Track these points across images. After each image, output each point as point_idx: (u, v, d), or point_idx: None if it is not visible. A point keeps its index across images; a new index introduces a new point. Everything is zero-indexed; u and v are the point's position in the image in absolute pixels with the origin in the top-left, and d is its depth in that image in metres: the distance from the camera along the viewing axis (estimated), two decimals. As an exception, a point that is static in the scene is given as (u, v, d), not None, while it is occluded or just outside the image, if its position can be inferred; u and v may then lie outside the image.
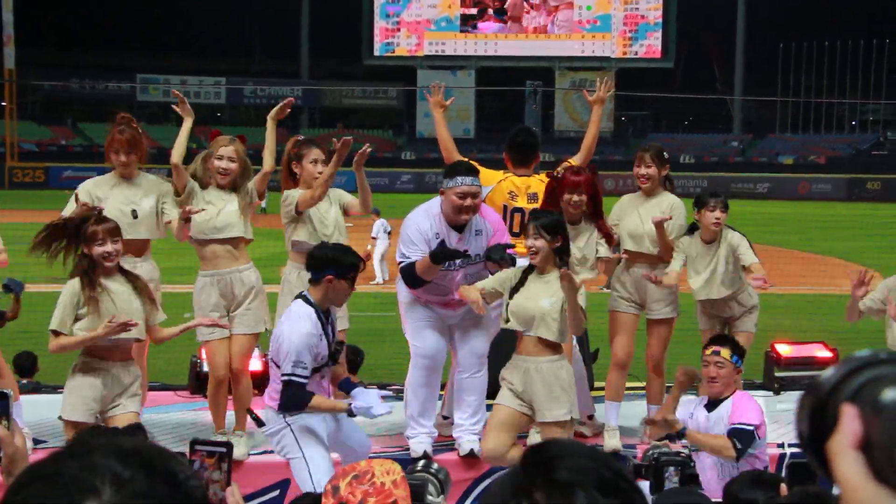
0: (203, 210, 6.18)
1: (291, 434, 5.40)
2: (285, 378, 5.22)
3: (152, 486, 1.10)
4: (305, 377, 5.23)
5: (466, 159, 6.54)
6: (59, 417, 5.72)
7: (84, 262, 5.54)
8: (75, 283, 5.54)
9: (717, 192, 6.84)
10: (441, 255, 5.89)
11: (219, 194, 6.33)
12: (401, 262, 6.10)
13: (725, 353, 5.60)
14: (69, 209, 6.19)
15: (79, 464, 1.11)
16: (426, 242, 6.02)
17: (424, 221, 6.10)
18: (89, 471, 1.09)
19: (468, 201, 5.97)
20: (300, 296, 5.41)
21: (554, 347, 5.77)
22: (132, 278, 5.70)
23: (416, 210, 6.26)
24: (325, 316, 5.36)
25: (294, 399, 5.26)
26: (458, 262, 6.00)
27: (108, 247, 5.49)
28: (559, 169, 6.64)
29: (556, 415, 5.72)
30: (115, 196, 6.36)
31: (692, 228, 6.76)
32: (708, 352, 5.64)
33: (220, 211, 6.28)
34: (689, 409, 5.72)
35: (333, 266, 5.29)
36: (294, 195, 6.42)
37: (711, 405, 5.63)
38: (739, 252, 6.61)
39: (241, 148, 6.36)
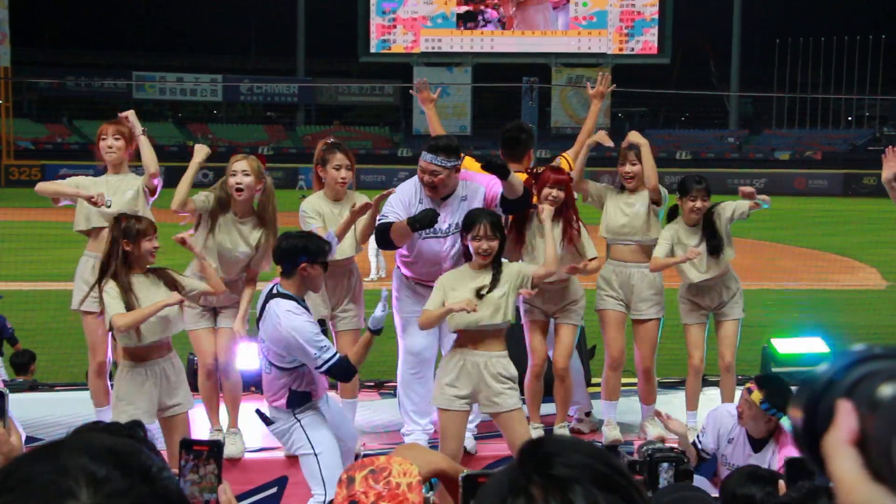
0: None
1: (301, 430, 5.39)
2: (326, 364, 5.23)
3: (129, 484, 1.07)
4: (331, 352, 5.29)
5: (449, 136, 6.51)
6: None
7: (118, 258, 5.52)
8: (113, 282, 5.51)
9: (700, 178, 6.71)
10: (416, 222, 5.89)
11: (241, 229, 6.23)
12: (379, 221, 6.15)
13: (756, 396, 5.10)
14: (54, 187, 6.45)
15: (50, 466, 1.07)
16: (405, 208, 6.09)
17: (410, 188, 6.21)
18: (62, 473, 1.06)
19: (426, 178, 6.06)
20: (276, 295, 5.33)
21: (503, 339, 5.78)
22: (161, 276, 5.69)
23: (411, 178, 6.37)
24: (303, 305, 5.36)
25: (345, 371, 5.35)
26: (436, 228, 6.01)
27: (156, 242, 5.59)
28: (537, 167, 6.63)
29: (510, 404, 5.69)
30: (97, 188, 6.38)
31: (673, 213, 6.75)
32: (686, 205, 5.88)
33: (227, 258, 6.23)
34: (727, 433, 5.39)
35: (305, 253, 5.28)
36: (312, 216, 6.33)
37: (759, 443, 5.28)
38: (736, 211, 6.62)
39: (256, 164, 6.20)
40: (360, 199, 6.44)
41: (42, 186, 6.60)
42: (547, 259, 5.95)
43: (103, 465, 1.08)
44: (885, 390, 1.00)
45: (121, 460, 1.10)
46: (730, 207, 6.68)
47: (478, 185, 6.24)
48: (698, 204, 6.59)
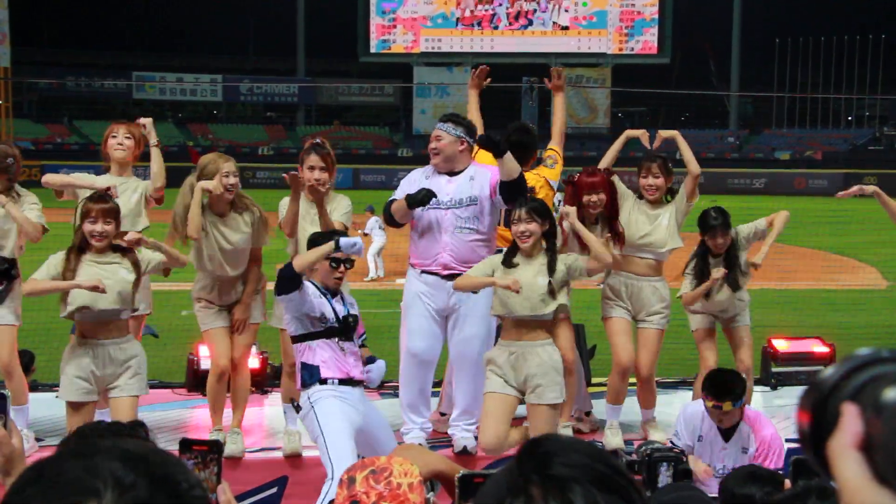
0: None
1: (314, 414, 5.43)
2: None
3: (153, 495, 1.09)
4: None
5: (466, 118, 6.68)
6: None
7: (77, 238, 5.65)
8: (61, 254, 5.63)
9: (717, 215, 6.61)
10: (410, 198, 6.16)
11: (229, 224, 6.26)
12: (388, 201, 6.43)
13: (727, 406, 5.37)
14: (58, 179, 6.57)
15: (82, 465, 1.10)
16: (410, 185, 6.35)
17: (419, 170, 6.52)
18: (92, 473, 1.09)
19: (431, 144, 6.34)
20: None
21: (546, 329, 5.91)
22: (129, 256, 5.71)
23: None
24: (328, 291, 5.55)
25: (284, 270, 5.40)
26: (438, 199, 6.19)
27: (99, 226, 5.57)
28: (573, 176, 6.61)
29: (549, 398, 5.85)
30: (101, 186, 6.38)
31: (703, 254, 6.67)
32: (709, 405, 5.40)
33: (234, 249, 6.25)
34: (696, 430, 5.58)
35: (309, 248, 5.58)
36: (286, 205, 6.35)
37: (728, 431, 5.50)
38: (755, 231, 6.68)
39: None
40: (340, 200, 6.46)
41: (50, 178, 6.61)
42: (595, 253, 5.99)
43: (133, 472, 1.10)
44: (891, 394, 0.99)
45: (152, 471, 1.12)
46: (748, 229, 6.72)
47: (486, 170, 6.39)
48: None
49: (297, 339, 5.55)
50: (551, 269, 5.84)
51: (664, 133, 6.78)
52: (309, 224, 6.29)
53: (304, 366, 5.52)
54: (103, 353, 5.70)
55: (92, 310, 5.62)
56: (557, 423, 6.10)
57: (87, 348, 5.72)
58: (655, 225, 6.60)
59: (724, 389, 5.41)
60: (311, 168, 6.34)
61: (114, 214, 5.65)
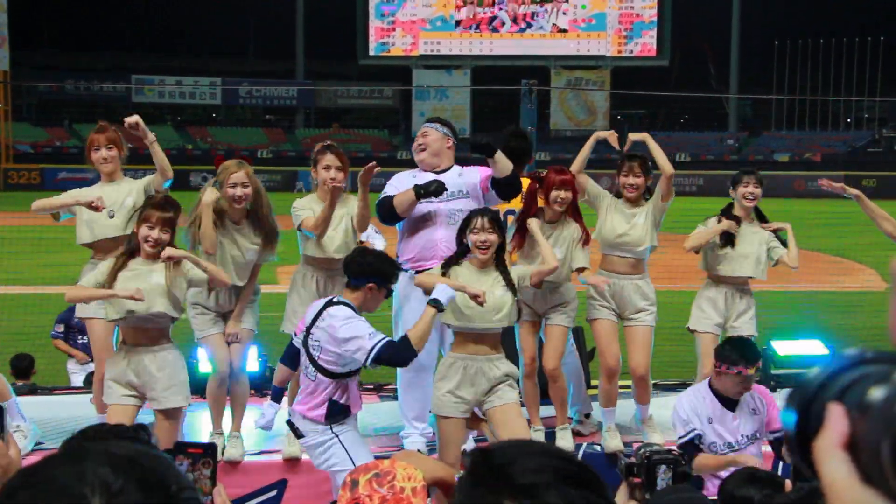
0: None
1: (341, 445, 5.30)
2: (373, 351, 5.11)
3: (142, 499, 1.08)
4: (377, 337, 5.18)
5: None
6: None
7: (131, 243, 5.60)
8: (109, 261, 5.58)
9: (749, 169, 6.87)
10: (421, 188, 6.17)
11: (244, 234, 6.24)
12: (380, 197, 6.36)
13: (752, 371, 5.56)
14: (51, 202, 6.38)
15: (71, 470, 1.09)
16: (401, 184, 6.40)
17: (406, 172, 6.61)
18: (80, 479, 1.07)
19: (419, 140, 6.52)
20: (336, 302, 5.35)
21: (498, 341, 5.75)
22: (174, 270, 5.63)
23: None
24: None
25: (397, 351, 5.20)
26: (444, 193, 6.18)
27: (155, 233, 5.52)
28: (540, 172, 6.60)
29: (509, 397, 5.66)
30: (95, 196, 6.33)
31: (727, 210, 6.83)
32: (751, 371, 5.52)
33: (243, 260, 6.23)
34: (704, 412, 5.65)
35: (378, 276, 5.37)
36: (302, 209, 6.31)
37: (731, 402, 5.63)
38: (772, 250, 6.77)
39: (251, 171, 6.22)
40: (353, 202, 6.42)
41: (39, 204, 6.38)
42: (545, 257, 5.94)
43: (121, 476, 1.09)
44: (876, 393, 0.99)
45: (141, 473, 1.11)
46: (777, 247, 6.83)
47: (474, 167, 6.45)
48: (750, 189, 6.72)
49: (337, 375, 5.31)
50: (509, 283, 5.67)
51: (634, 136, 6.72)
52: (333, 228, 6.27)
53: (334, 403, 5.31)
54: (137, 360, 5.65)
55: (133, 315, 5.57)
56: (522, 418, 5.95)
57: (124, 355, 5.70)
58: (632, 224, 6.56)
59: (752, 352, 5.65)
60: (328, 168, 6.35)
61: (172, 225, 5.59)
